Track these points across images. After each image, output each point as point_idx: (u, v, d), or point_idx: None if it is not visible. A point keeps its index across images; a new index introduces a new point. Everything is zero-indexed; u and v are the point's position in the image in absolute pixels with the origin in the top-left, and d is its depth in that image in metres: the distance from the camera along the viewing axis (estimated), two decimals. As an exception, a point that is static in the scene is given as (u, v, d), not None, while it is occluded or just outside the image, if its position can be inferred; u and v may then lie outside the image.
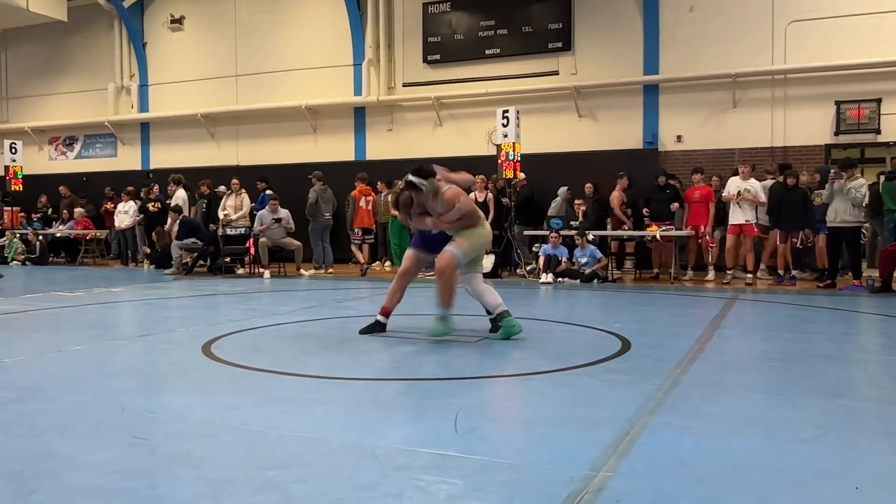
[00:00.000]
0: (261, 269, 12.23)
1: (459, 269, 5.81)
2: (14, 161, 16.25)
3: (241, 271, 13.06)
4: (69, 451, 3.02)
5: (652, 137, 13.22)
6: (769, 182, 10.77)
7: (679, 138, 13.09)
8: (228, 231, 13.06)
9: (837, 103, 12.11)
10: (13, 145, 16.33)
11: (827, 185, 10.20)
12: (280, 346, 5.76)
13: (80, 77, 18.70)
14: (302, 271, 12.28)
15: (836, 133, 12.19)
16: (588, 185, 12.45)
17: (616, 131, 13.52)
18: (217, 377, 4.55)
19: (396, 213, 6.12)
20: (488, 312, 6.03)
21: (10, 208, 16.78)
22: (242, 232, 13.06)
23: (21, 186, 16.39)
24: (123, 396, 3.96)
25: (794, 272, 10.34)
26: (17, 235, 16.20)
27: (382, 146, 15.58)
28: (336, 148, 15.96)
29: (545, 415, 3.61)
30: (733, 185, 10.73)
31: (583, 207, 12.14)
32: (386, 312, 6.15)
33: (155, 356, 5.44)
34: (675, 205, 11.24)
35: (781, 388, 4.18)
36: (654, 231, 11.03)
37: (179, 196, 14.10)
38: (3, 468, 2.82)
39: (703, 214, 11.07)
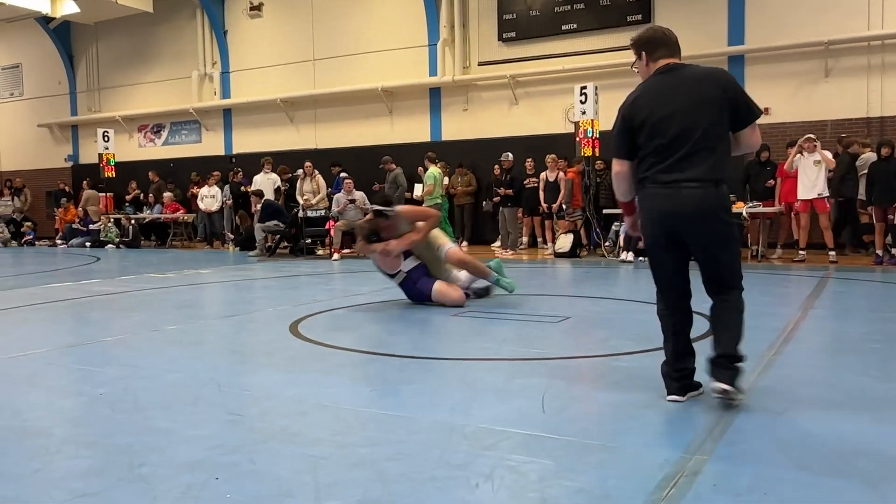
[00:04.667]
0: (334, 252, 12.35)
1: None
2: (107, 149, 17.00)
3: (321, 252, 13.33)
4: (172, 426, 3.15)
5: (737, 111, 12.72)
6: (871, 155, 10.23)
7: (766, 111, 12.55)
8: (309, 213, 13.33)
9: (941, 69, 11.40)
10: (106, 134, 17.07)
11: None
12: (364, 325, 5.86)
13: (166, 66, 19.37)
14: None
15: (939, 101, 11.48)
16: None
17: (699, 105, 13.06)
18: (306, 356, 4.67)
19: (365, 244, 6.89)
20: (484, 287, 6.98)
21: (104, 194, 17.60)
22: (323, 214, 13.30)
23: (114, 173, 17.14)
24: (219, 374, 4.11)
25: (894, 251, 9.81)
26: (112, 220, 16.98)
27: (458, 126, 15.57)
28: (412, 129, 16.04)
29: (634, 396, 3.54)
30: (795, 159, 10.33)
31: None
32: (485, 275, 6.89)
33: (245, 335, 5.63)
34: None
35: (885, 370, 3.98)
36: (740, 209, 10.66)
37: (266, 179, 14.44)
38: (114, 441, 2.98)
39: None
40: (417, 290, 6.63)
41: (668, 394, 3.40)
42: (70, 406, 3.61)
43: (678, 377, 3.39)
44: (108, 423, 3.25)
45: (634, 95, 3.40)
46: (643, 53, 3.45)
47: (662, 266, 3.41)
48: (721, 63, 13.00)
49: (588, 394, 3.79)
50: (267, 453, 2.81)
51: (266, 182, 14.40)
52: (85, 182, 19.07)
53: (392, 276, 6.75)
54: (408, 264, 6.66)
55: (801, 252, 10.44)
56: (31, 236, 18.98)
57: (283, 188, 14.55)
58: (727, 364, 3.23)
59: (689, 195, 3.21)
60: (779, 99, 12.53)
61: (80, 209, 18.23)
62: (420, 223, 6.70)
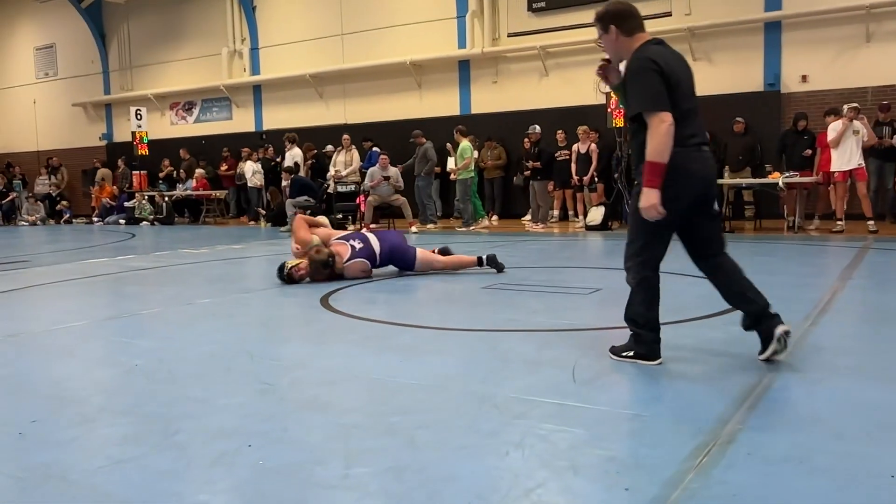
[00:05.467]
0: (364, 227, 12.40)
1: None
2: (140, 127, 17.18)
3: (351, 228, 13.38)
4: (205, 396, 3.20)
5: (773, 79, 12.43)
6: None
7: (804, 78, 12.24)
8: (339, 188, 13.36)
9: None
10: (138, 112, 17.24)
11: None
12: (394, 298, 5.88)
13: (196, 43, 19.45)
14: (413, 228, 12.42)
15: None
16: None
17: (734, 74, 12.79)
18: (337, 328, 4.69)
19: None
20: None
21: (137, 172, 17.84)
22: (353, 189, 13.33)
23: (147, 151, 17.33)
24: (251, 345, 4.15)
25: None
26: (146, 197, 17.21)
27: (487, 99, 15.43)
28: (441, 103, 15.93)
29: (666, 366, 3.50)
30: (835, 130, 10.02)
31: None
32: None
33: (277, 308, 5.67)
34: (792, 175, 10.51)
35: (926, 341, 3.88)
36: (777, 178, 10.45)
37: (295, 155, 14.49)
38: (149, 410, 3.03)
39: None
40: (392, 249, 6.73)
41: (656, 359, 3.50)
42: (107, 376, 3.68)
43: (659, 340, 3.53)
44: (144, 392, 3.31)
45: (661, 56, 3.32)
46: (612, 27, 3.41)
47: (670, 231, 3.51)
48: (757, 30, 12.70)
49: (619, 364, 3.75)
50: (298, 421, 2.83)
51: (287, 158, 14.48)
52: (112, 162, 19.38)
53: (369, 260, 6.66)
54: (355, 245, 6.60)
55: (839, 222, 10.21)
56: (67, 214, 19.34)
57: (301, 164, 14.52)
58: (771, 311, 3.51)
59: (711, 157, 3.49)
60: (817, 66, 12.19)
61: (114, 187, 18.51)
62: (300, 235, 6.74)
